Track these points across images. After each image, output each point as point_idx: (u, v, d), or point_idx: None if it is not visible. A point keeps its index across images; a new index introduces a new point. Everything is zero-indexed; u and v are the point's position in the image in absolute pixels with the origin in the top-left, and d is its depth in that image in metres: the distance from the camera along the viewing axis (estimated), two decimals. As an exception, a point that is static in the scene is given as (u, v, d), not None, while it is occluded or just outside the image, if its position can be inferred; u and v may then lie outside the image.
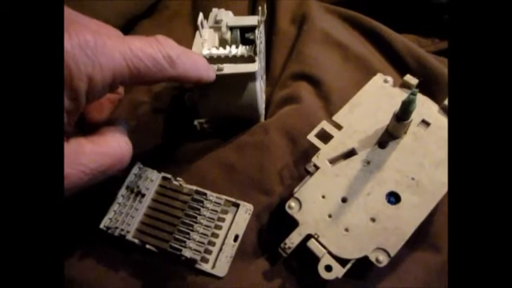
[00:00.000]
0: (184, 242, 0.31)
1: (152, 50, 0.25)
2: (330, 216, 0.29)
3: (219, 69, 0.32)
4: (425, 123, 0.31)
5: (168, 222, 0.32)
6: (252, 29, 0.37)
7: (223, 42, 0.37)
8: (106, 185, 0.29)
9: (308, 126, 0.33)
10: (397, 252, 0.27)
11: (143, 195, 0.33)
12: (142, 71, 0.24)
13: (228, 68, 0.32)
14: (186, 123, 0.38)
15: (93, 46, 0.22)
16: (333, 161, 0.31)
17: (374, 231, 0.28)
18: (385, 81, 0.34)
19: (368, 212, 0.29)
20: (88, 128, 0.29)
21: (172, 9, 0.51)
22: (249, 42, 0.37)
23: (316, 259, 0.28)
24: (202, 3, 0.49)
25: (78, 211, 0.33)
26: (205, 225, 0.32)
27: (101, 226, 0.32)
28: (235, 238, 0.33)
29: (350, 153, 0.31)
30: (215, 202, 0.33)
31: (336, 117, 0.33)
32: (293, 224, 0.29)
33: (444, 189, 0.29)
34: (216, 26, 0.37)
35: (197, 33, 0.35)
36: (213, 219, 0.33)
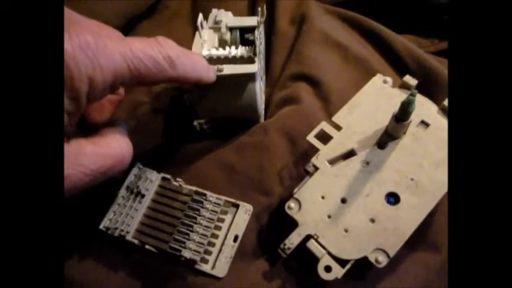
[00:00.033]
0: (184, 242, 0.31)
1: (152, 51, 0.25)
2: (329, 216, 0.29)
3: (219, 70, 0.32)
4: (425, 123, 0.31)
5: (167, 222, 0.32)
6: (251, 29, 0.37)
7: (222, 43, 0.37)
8: (105, 186, 0.29)
9: (307, 126, 0.34)
10: (397, 252, 0.27)
11: (143, 196, 0.34)
12: (142, 72, 0.24)
13: (228, 69, 0.32)
14: (186, 123, 0.38)
15: (94, 47, 0.22)
16: (333, 162, 0.31)
17: (373, 232, 0.28)
18: (385, 81, 0.34)
19: (367, 212, 0.29)
20: (89, 128, 0.29)
21: (172, 10, 0.51)
22: (249, 43, 0.37)
23: (316, 260, 0.28)
24: (202, 3, 0.49)
25: (77, 212, 0.33)
26: (205, 226, 0.32)
27: (101, 227, 0.32)
28: (235, 239, 0.33)
29: (349, 154, 0.31)
30: (215, 203, 0.33)
31: (336, 118, 0.33)
32: (293, 224, 0.29)
33: (443, 189, 0.29)
34: (216, 27, 0.37)
35: (197, 33, 0.35)
36: (213, 219, 0.33)
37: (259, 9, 0.34)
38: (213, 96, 0.34)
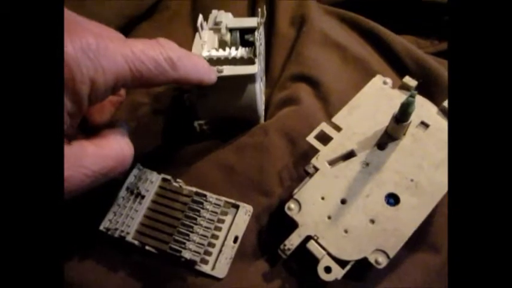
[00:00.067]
0: (184, 243, 0.31)
1: (154, 52, 0.25)
2: (329, 217, 0.29)
3: (219, 71, 0.32)
4: (425, 124, 0.31)
5: (167, 223, 0.32)
6: (251, 30, 0.37)
7: (222, 44, 0.37)
8: (106, 187, 0.29)
9: (307, 127, 0.34)
10: (397, 253, 0.27)
11: (143, 197, 0.34)
12: (144, 73, 0.24)
13: (228, 70, 0.32)
14: (186, 124, 0.38)
15: (95, 49, 0.22)
16: (332, 163, 0.31)
17: (373, 233, 0.28)
18: (384, 82, 0.34)
19: (367, 213, 0.29)
20: (90, 130, 0.29)
21: (172, 10, 0.51)
22: (249, 44, 0.37)
23: (316, 260, 0.28)
24: (202, 4, 0.49)
25: (77, 213, 0.33)
26: (205, 227, 0.32)
27: (101, 227, 0.32)
28: (235, 239, 0.33)
29: (349, 155, 0.31)
30: (215, 203, 0.33)
31: (335, 119, 0.33)
32: (292, 225, 0.29)
33: (443, 190, 0.29)
34: (216, 28, 0.37)
35: (197, 34, 0.35)
36: (213, 220, 0.33)
37: (259, 10, 0.34)
38: (213, 97, 0.34)
